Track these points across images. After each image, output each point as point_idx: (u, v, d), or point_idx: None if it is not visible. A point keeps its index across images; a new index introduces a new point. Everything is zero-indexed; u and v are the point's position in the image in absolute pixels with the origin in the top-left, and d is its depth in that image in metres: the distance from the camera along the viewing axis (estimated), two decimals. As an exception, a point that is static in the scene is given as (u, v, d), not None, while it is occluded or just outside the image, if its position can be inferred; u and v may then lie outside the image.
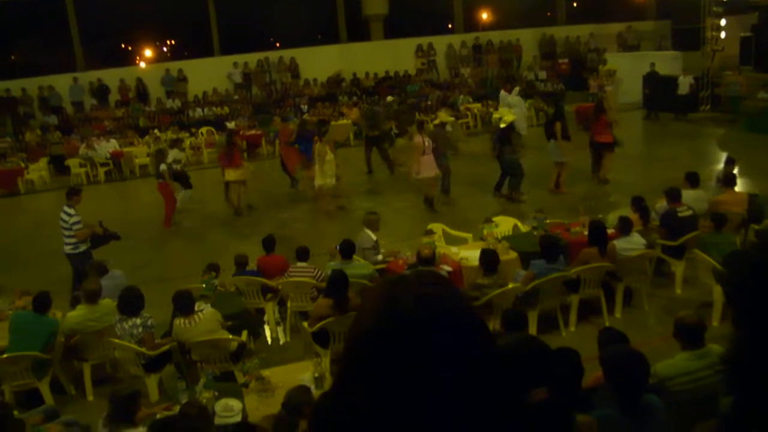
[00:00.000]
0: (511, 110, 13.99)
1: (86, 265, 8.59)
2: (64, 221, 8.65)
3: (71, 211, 8.63)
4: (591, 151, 13.43)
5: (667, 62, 21.06)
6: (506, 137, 12.27)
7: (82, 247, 8.74)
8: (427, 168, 12.01)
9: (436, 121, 14.00)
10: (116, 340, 6.43)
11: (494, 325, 6.69)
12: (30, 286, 8.42)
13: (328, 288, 6.54)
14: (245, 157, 14.83)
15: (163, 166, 12.51)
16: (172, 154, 13.87)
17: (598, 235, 7.49)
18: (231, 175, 13.16)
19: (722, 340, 4.44)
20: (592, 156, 13.47)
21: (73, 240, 8.66)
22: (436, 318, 1.11)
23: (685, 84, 19.45)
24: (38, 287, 8.34)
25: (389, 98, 21.17)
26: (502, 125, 12.23)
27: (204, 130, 21.00)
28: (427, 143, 11.97)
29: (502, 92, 16.65)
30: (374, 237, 8.40)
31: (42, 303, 6.68)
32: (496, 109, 20.83)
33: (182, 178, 13.76)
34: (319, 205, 12.87)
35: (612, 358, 3.98)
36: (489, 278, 6.91)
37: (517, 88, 17.73)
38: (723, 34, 19.57)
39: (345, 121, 20.55)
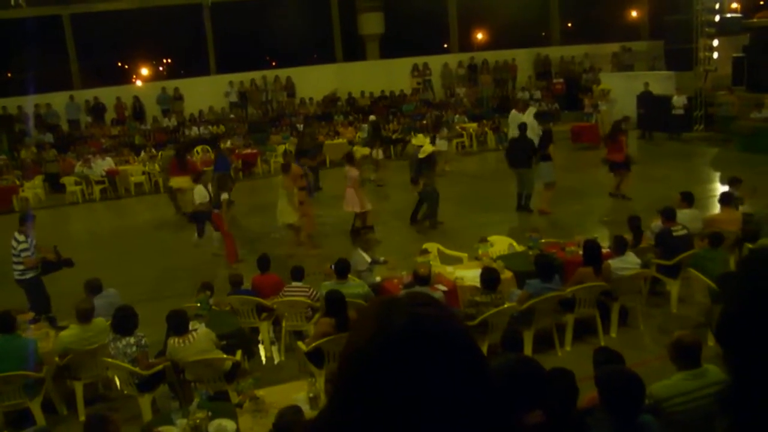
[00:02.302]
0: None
1: (42, 291, 8.64)
2: (13, 247, 8.53)
3: (21, 237, 8.51)
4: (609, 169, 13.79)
5: (660, 82, 21.20)
6: (423, 167, 12.08)
7: (30, 274, 8.58)
8: (351, 202, 11.68)
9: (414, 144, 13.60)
10: (110, 360, 6.39)
11: (489, 344, 6.71)
12: (22, 304, 8.38)
13: (327, 308, 6.53)
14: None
15: (225, 195, 11.00)
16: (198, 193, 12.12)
17: (592, 255, 7.51)
18: (179, 182, 14.05)
19: (718, 360, 4.43)
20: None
21: (20, 267, 8.54)
22: (428, 337, 1.12)
23: (679, 103, 19.57)
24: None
25: (372, 117, 21.28)
26: (422, 155, 12.06)
27: (199, 148, 21.02)
28: (356, 175, 11.65)
29: (513, 112, 16.68)
30: (369, 258, 8.41)
31: (5, 323, 6.52)
32: (497, 128, 21.09)
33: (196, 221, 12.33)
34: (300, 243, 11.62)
35: (607, 378, 3.97)
36: (487, 296, 6.89)
37: (532, 109, 17.66)
38: (715, 55, 19.75)
39: (341, 140, 20.66)
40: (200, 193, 11.55)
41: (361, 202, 11.72)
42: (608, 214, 12.50)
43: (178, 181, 14.19)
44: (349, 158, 12.27)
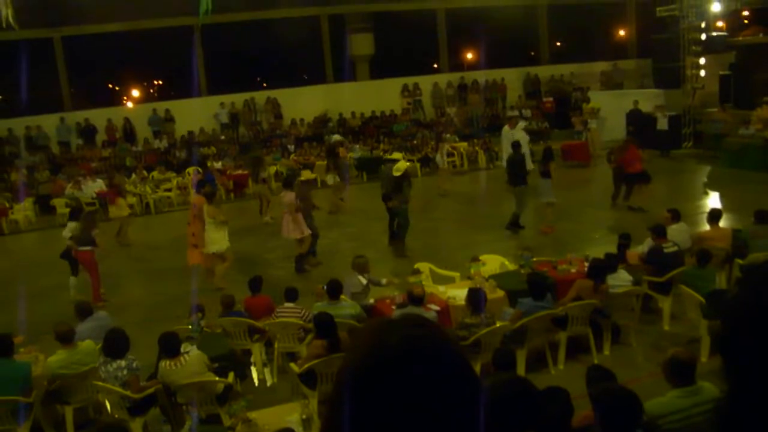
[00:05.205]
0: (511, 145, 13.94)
1: None
2: None
3: None
4: (616, 180, 14.00)
5: (649, 100, 21.39)
6: (398, 186, 11.89)
7: None
8: (293, 228, 11.33)
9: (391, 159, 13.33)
10: (100, 383, 6.33)
11: (482, 363, 6.69)
12: (11, 327, 8.30)
13: (317, 331, 6.51)
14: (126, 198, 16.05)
15: (66, 232, 10.42)
16: (70, 227, 10.80)
17: (598, 272, 7.50)
18: (115, 212, 14.70)
19: (712, 376, 4.43)
20: (616, 185, 14.02)
21: None
22: (421, 357, 1.13)
23: (663, 120, 19.74)
24: (19, 329, 8.23)
25: (336, 137, 21.59)
26: (396, 173, 11.91)
27: (191, 170, 20.99)
28: (291, 201, 11.24)
29: (505, 128, 16.80)
30: (364, 281, 8.38)
31: (4, 347, 6.44)
32: (488, 147, 21.19)
33: (70, 260, 10.64)
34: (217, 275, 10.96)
35: (603, 395, 3.96)
36: (476, 317, 6.89)
37: (522, 123, 17.71)
38: (702, 73, 19.96)
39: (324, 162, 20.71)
40: (71, 227, 10.73)
41: (299, 228, 11.28)
42: (598, 231, 12.54)
43: (114, 211, 14.80)
44: (287, 183, 11.80)
